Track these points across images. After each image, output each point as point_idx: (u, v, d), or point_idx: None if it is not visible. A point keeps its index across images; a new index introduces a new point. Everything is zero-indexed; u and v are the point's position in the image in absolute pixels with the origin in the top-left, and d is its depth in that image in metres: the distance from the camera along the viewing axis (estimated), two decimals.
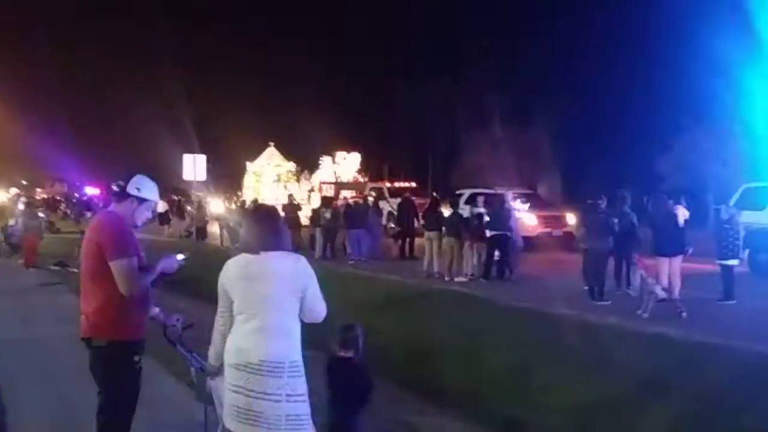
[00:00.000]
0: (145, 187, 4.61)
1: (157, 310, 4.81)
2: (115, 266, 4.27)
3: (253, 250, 4.00)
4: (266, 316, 3.90)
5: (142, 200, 4.60)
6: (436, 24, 51.76)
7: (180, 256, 4.79)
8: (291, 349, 3.93)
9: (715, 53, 27.26)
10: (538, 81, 39.52)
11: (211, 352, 4.18)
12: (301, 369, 3.97)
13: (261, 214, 4.37)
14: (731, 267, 12.60)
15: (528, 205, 17.83)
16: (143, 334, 4.56)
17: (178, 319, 4.91)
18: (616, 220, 13.04)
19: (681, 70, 32.03)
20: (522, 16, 45.08)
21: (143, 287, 4.44)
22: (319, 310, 4.09)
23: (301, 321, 4.06)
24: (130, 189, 4.56)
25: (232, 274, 4.00)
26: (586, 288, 13.31)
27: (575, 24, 40.00)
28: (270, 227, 4.12)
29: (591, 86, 38.39)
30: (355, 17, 60.24)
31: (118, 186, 4.57)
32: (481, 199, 16.99)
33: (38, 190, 60.63)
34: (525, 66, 40.68)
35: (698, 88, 29.73)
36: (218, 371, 4.18)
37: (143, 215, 4.65)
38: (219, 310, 4.08)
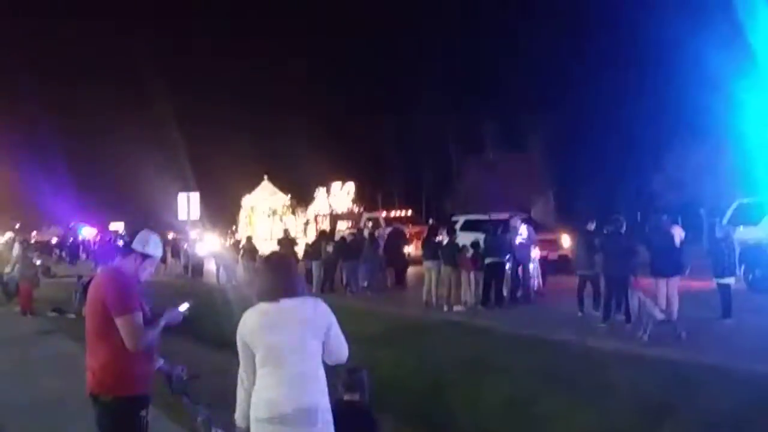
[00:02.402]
0: (150, 244, 4.65)
1: (161, 361, 4.81)
2: (121, 322, 4.30)
3: (271, 298, 3.96)
4: (294, 364, 3.84)
5: (146, 256, 4.63)
6: (426, 53, 52.20)
7: (183, 307, 4.80)
8: (322, 394, 3.91)
9: (706, 68, 27.50)
10: (528, 104, 39.74)
11: (238, 412, 4.05)
12: (330, 414, 3.94)
13: (275, 261, 4.33)
14: (728, 285, 12.65)
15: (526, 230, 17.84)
16: (149, 388, 4.56)
17: (182, 370, 4.90)
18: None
19: (671, 86, 32.37)
20: (509, 39, 45.42)
21: (149, 341, 4.46)
22: (342, 350, 4.07)
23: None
24: (135, 245, 4.60)
25: (252, 326, 3.93)
26: (580, 314, 13.60)
27: (564, 45, 40.36)
28: (285, 274, 4.09)
29: (581, 106, 38.73)
30: (346, 48, 60.60)
31: (123, 241, 4.61)
32: (517, 221, 17.12)
33: (33, 233, 60.38)
34: (514, 89, 40.90)
35: (689, 103, 30.01)
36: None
37: (147, 271, 4.68)
38: (241, 365, 3.99)
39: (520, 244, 16.56)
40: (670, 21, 31.50)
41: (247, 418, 3.96)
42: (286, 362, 3.84)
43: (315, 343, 3.92)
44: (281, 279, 4.04)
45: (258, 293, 4.06)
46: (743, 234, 15.71)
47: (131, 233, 4.70)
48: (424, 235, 19.33)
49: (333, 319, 4.03)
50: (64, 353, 11.93)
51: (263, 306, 3.97)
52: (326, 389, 3.97)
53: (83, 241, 48.64)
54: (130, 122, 55.72)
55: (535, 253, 17.60)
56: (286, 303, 3.94)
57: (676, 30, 30.48)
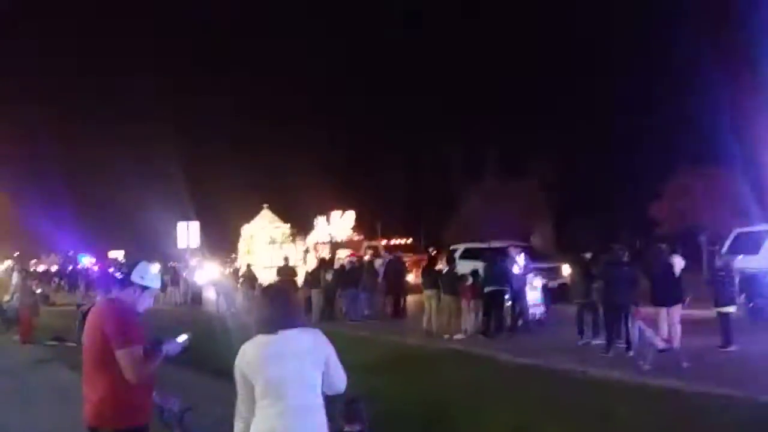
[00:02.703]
0: (148, 275, 4.65)
1: (153, 393, 4.80)
2: (121, 355, 4.29)
3: (270, 330, 3.94)
4: (294, 396, 3.82)
5: (144, 288, 4.63)
6: (424, 80, 52.55)
7: (182, 338, 4.79)
8: (322, 425, 3.90)
9: (707, 96, 27.68)
10: (528, 132, 39.97)
11: None
12: None
13: (273, 293, 4.32)
14: (729, 314, 12.65)
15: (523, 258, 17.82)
16: (148, 419, 4.55)
17: (174, 402, 4.87)
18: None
19: (672, 113, 32.55)
20: (510, 68, 45.76)
21: (149, 374, 4.46)
22: (341, 381, 4.06)
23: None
24: (134, 277, 4.59)
25: (250, 358, 3.91)
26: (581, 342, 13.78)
27: (564, 74, 40.64)
28: (283, 305, 4.07)
29: (581, 134, 38.99)
30: (345, 78, 61.00)
31: (121, 273, 4.61)
32: (515, 251, 17.21)
33: (33, 261, 60.35)
34: (514, 117, 41.17)
35: (689, 131, 30.15)
36: None
37: (145, 302, 4.67)
38: (239, 397, 3.96)
39: (517, 273, 16.62)
40: (673, 50, 31.78)
41: None
42: (286, 394, 3.82)
43: (314, 375, 3.90)
44: (279, 311, 4.01)
45: (256, 325, 4.04)
46: (743, 263, 15.70)
47: (129, 264, 4.69)
48: (424, 263, 19.36)
49: (332, 349, 4.02)
50: (63, 382, 11.87)
51: (262, 338, 3.95)
52: (326, 420, 3.95)
53: (82, 270, 48.57)
54: (130, 151, 55.85)
55: (538, 281, 17.63)
56: (284, 334, 3.92)
57: (679, 59, 30.73)
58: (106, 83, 71.95)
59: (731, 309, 12.77)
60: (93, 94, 72.58)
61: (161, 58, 68.88)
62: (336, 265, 24.17)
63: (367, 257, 27.67)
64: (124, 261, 27.47)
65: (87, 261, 54.06)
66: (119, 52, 70.38)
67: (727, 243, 17.30)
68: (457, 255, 22.13)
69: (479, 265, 17.21)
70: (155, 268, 4.76)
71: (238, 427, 3.99)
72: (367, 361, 12.54)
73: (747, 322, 15.16)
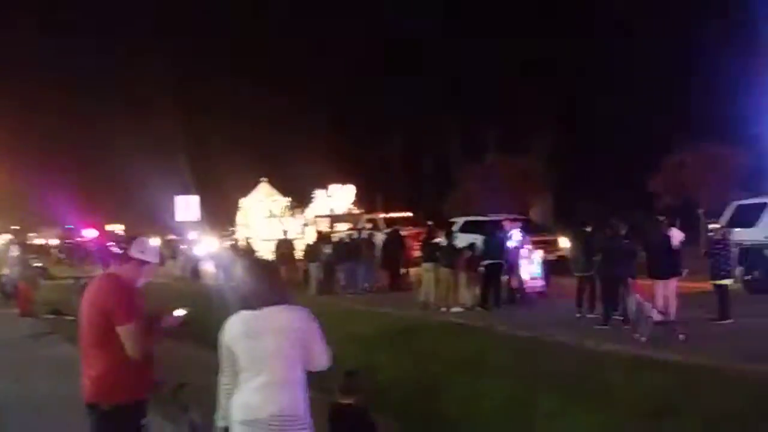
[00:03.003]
0: (147, 250, 4.64)
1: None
2: (124, 331, 4.29)
3: (254, 305, 3.97)
4: (273, 371, 3.86)
5: (144, 263, 4.62)
6: (426, 54, 52.15)
7: (180, 312, 4.80)
8: (300, 401, 3.91)
9: (705, 69, 27.57)
10: (527, 107, 39.75)
11: (219, 414, 4.09)
12: (310, 421, 3.94)
13: (257, 268, 4.33)
14: (725, 287, 12.67)
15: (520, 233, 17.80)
16: (148, 393, 4.56)
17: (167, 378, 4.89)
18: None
19: (670, 87, 32.46)
20: (511, 41, 45.39)
21: (150, 349, 4.46)
22: (323, 358, 4.06)
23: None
24: (133, 252, 4.57)
25: (234, 332, 3.96)
26: (579, 315, 13.73)
27: (565, 48, 40.38)
28: (267, 281, 4.09)
29: (580, 107, 38.86)
30: (345, 50, 60.52)
31: (120, 248, 4.59)
32: (511, 225, 17.26)
33: (32, 235, 60.31)
34: (513, 92, 40.92)
35: (688, 105, 30.09)
36: None
37: (145, 277, 4.67)
38: (223, 370, 4.03)
39: (513, 246, 16.67)
40: (670, 23, 31.60)
41: (228, 419, 3.98)
42: (266, 369, 3.86)
43: (294, 351, 3.92)
44: (264, 287, 4.04)
45: (240, 300, 4.07)
46: (741, 235, 15.71)
47: (128, 239, 4.68)
48: (423, 236, 19.39)
49: (316, 327, 4.03)
50: (61, 355, 11.93)
51: (245, 314, 3.98)
52: (305, 397, 3.96)
53: (82, 243, 48.61)
54: (130, 124, 55.61)
55: (539, 255, 17.64)
56: (266, 311, 3.95)
57: (676, 32, 30.57)
58: (106, 56, 71.46)
59: (728, 282, 12.81)
60: (93, 67, 71.94)
61: (162, 32, 68.25)
62: (335, 239, 24.22)
63: (366, 230, 27.69)
64: (123, 235, 27.53)
65: (86, 234, 54.02)
66: (120, 25, 69.78)
67: (725, 216, 17.29)
68: (456, 228, 22.14)
69: (478, 238, 17.23)
70: (154, 242, 4.74)
71: (222, 399, 4.04)
72: (365, 333, 12.62)
73: (744, 295, 15.22)
